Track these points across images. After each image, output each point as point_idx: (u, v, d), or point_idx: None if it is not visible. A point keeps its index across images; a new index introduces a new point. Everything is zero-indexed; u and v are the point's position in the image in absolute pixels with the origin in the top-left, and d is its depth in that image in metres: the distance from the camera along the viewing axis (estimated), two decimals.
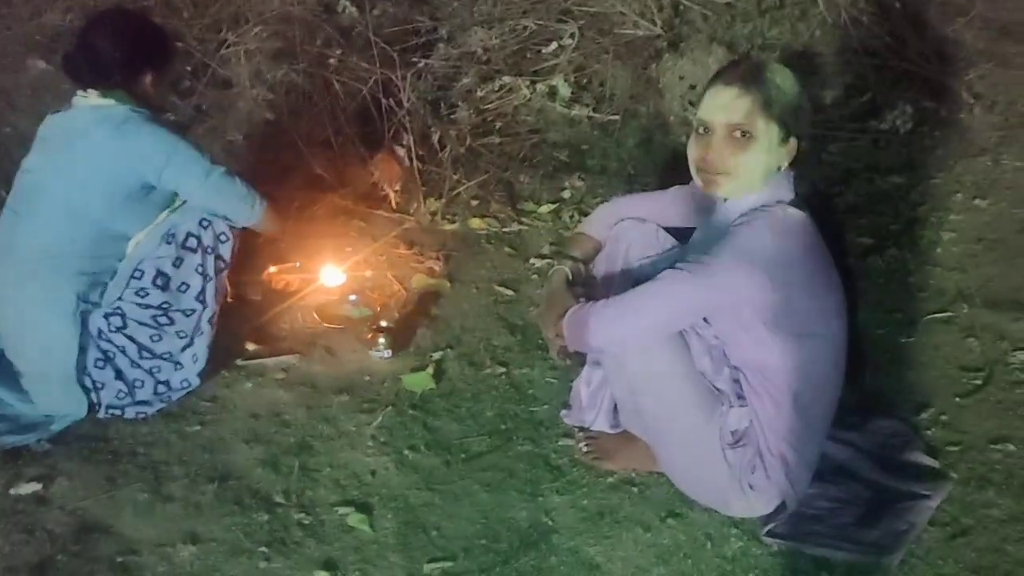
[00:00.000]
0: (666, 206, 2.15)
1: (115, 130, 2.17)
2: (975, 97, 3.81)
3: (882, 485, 2.10)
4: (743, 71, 1.84)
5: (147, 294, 2.25)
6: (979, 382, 2.45)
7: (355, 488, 2.12)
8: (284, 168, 3.37)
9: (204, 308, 2.32)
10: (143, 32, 2.32)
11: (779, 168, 1.85)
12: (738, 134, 1.79)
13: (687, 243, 2.07)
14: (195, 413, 2.32)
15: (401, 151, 3.34)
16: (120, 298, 2.25)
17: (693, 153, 1.88)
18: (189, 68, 3.65)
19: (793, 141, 1.83)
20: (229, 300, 2.63)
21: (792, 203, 1.83)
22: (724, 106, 1.80)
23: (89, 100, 2.24)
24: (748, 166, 1.80)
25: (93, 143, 2.17)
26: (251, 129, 3.52)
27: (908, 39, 4.08)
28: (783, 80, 1.81)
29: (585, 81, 3.75)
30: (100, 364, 2.23)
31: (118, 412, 2.26)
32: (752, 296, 1.78)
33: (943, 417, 2.33)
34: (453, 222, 3.22)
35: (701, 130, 1.85)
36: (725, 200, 1.88)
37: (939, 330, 2.66)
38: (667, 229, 2.15)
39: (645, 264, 2.10)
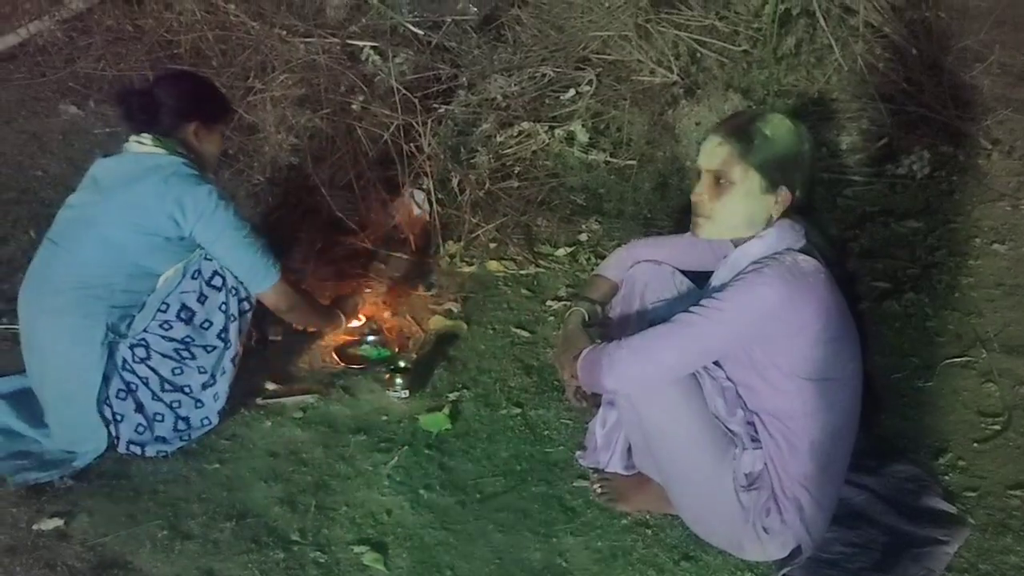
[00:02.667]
0: (682, 250, 2.18)
1: (162, 181, 2.26)
2: (993, 143, 3.83)
3: (899, 530, 2.09)
4: (731, 122, 1.92)
5: (171, 327, 2.30)
6: (998, 427, 2.44)
7: (371, 527, 2.13)
8: (307, 211, 3.44)
9: (226, 347, 2.36)
10: (199, 85, 2.51)
11: (771, 217, 1.87)
12: (719, 180, 1.87)
13: (703, 287, 2.09)
14: (214, 451, 2.35)
15: (421, 195, 3.40)
16: (146, 329, 2.30)
17: (692, 198, 1.95)
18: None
19: (784, 191, 1.86)
20: (253, 342, 2.68)
21: (803, 250, 1.85)
22: (708, 153, 1.90)
23: (142, 147, 2.34)
24: (725, 210, 1.87)
25: (140, 190, 2.27)
26: (276, 173, 3.60)
27: (925, 85, 4.11)
28: (773, 131, 1.85)
29: (603, 127, 3.81)
30: (122, 395, 2.27)
31: (138, 449, 2.29)
32: (763, 336, 1.80)
33: (961, 462, 2.32)
34: (471, 264, 3.26)
35: (696, 175, 1.93)
36: (737, 247, 1.91)
37: (957, 375, 2.66)
38: (684, 272, 2.18)
39: (660, 306, 2.12)
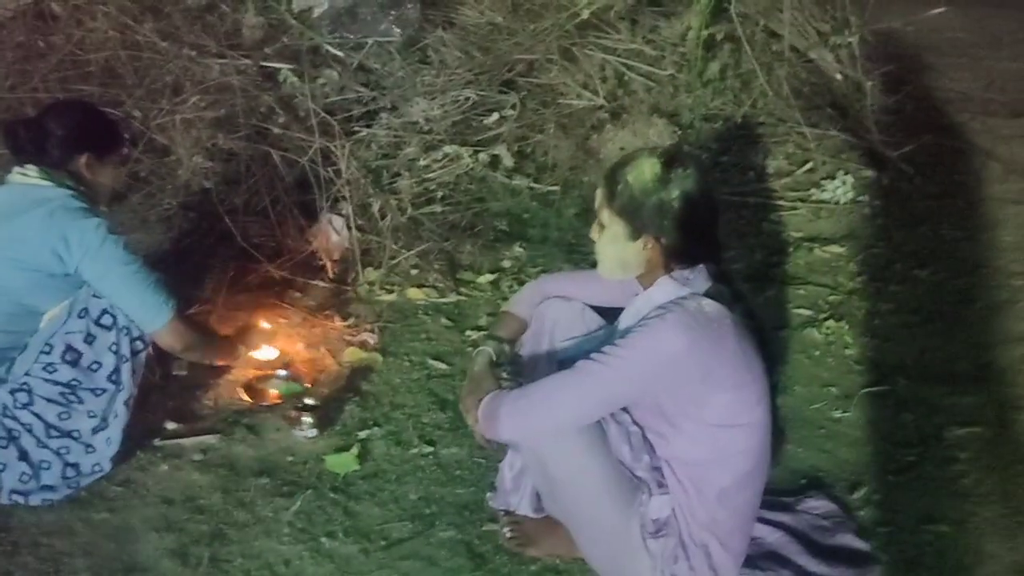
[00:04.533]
0: (592, 286, 2.12)
1: (47, 215, 2.15)
2: (914, 168, 3.87)
3: (811, 572, 2.05)
4: (611, 166, 1.89)
5: (55, 370, 2.17)
6: (913, 459, 2.43)
7: None
8: (220, 236, 3.32)
9: (119, 390, 2.22)
10: (89, 116, 2.37)
11: (648, 262, 1.82)
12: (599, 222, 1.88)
13: (613, 323, 2.04)
14: (104, 499, 2.22)
15: (340, 221, 3.31)
16: (28, 373, 2.17)
17: None
18: (128, 135, 3.60)
19: (649, 241, 1.80)
20: (156, 377, 2.56)
21: (708, 293, 1.80)
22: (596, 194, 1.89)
23: (27, 178, 2.22)
24: (601, 252, 1.89)
25: (22, 223, 2.15)
26: (188, 197, 3.48)
27: (849, 110, 4.16)
28: (635, 178, 1.79)
29: (528, 151, 3.77)
30: (3, 443, 2.14)
31: (21, 498, 2.16)
32: (667, 384, 1.75)
33: (875, 496, 2.30)
34: (391, 292, 3.17)
35: None
36: (645, 288, 1.86)
37: (875, 404, 2.65)
38: (595, 308, 2.13)
39: (569, 344, 2.07)
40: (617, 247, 1.83)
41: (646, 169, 1.79)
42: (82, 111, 2.41)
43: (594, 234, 1.89)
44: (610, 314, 2.07)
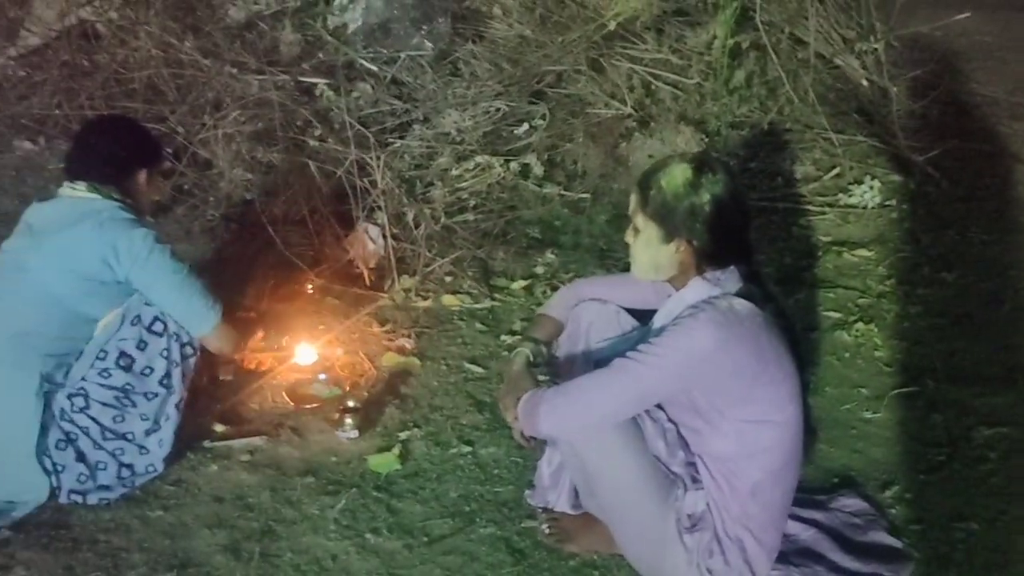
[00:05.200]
0: (626, 288, 2.18)
1: (97, 225, 2.25)
2: (941, 172, 3.89)
3: (845, 567, 2.09)
4: (645, 171, 1.96)
5: (110, 375, 2.26)
6: (943, 458, 2.46)
7: (315, 574, 2.11)
8: (261, 246, 3.42)
9: (170, 393, 2.32)
10: (137, 133, 2.48)
11: (681, 265, 1.89)
12: (633, 226, 1.94)
13: (647, 325, 2.10)
14: (158, 498, 2.31)
15: (376, 230, 3.39)
16: (84, 378, 2.26)
17: None
18: (171, 150, 3.73)
19: (681, 244, 1.86)
20: (206, 381, 2.66)
21: (739, 293, 1.86)
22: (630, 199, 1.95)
23: (76, 192, 2.32)
24: (637, 255, 1.95)
25: (75, 235, 2.25)
26: (230, 208, 3.59)
27: (875, 115, 4.19)
28: (668, 182, 1.86)
29: (558, 160, 3.84)
30: (62, 445, 2.23)
31: (80, 498, 2.25)
32: (701, 380, 1.81)
33: (907, 495, 2.34)
34: (426, 299, 3.25)
35: None
36: (677, 290, 1.93)
37: (904, 405, 2.68)
38: (629, 311, 2.19)
39: (605, 345, 2.13)
40: (651, 250, 1.90)
41: (677, 174, 1.86)
42: (133, 128, 2.52)
43: (629, 238, 1.95)
44: (644, 316, 2.13)
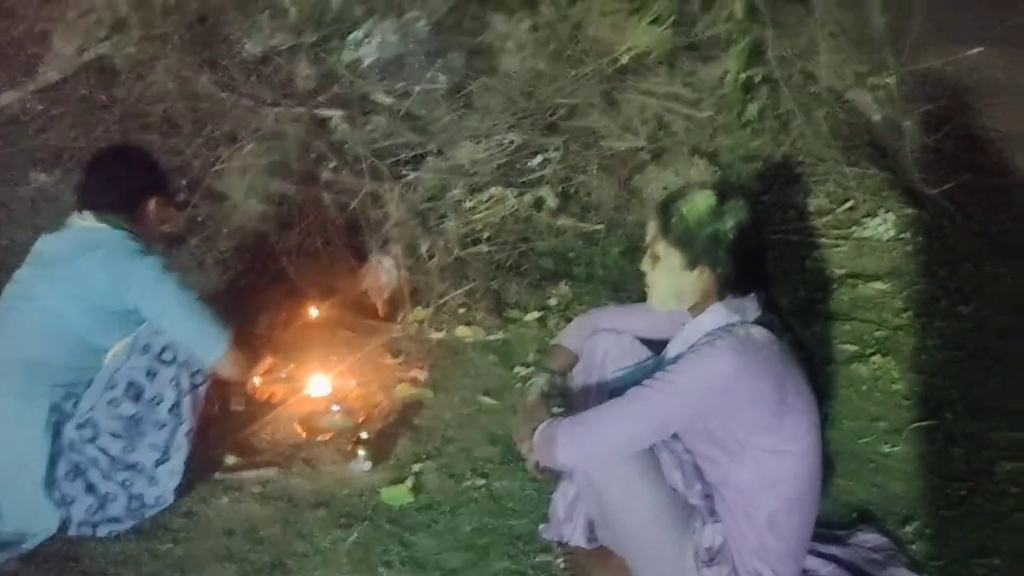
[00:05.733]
0: (641, 318, 2.17)
1: (106, 256, 2.26)
2: (955, 205, 3.87)
3: None
4: (663, 198, 1.96)
5: (119, 404, 2.26)
6: (963, 492, 2.42)
7: None
8: (274, 277, 3.42)
9: (179, 423, 2.31)
10: (144, 162, 2.50)
11: (703, 293, 1.88)
12: (653, 254, 1.92)
13: (661, 354, 2.08)
14: (168, 530, 2.29)
15: (389, 261, 3.40)
16: (93, 408, 2.26)
17: None
18: (185, 182, 3.76)
19: (704, 270, 1.86)
20: (217, 410, 2.65)
21: (757, 321, 1.85)
22: (647, 227, 1.94)
23: (84, 222, 2.34)
24: (654, 283, 1.93)
25: (83, 265, 2.26)
26: (243, 240, 3.60)
27: (888, 149, 4.18)
28: (690, 210, 1.86)
29: (571, 191, 3.84)
30: (71, 477, 2.22)
31: (89, 530, 2.23)
32: (718, 409, 1.79)
33: (927, 530, 2.30)
34: (440, 331, 3.24)
35: None
36: (694, 317, 1.91)
37: (924, 439, 2.65)
38: (644, 341, 2.18)
39: (620, 375, 2.11)
40: (672, 277, 1.88)
41: (700, 201, 1.85)
42: (140, 157, 2.53)
43: (646, 266, 1.94)
44: (659, 347, 2.12)
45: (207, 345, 2.32)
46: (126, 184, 2.38)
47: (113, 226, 2.33)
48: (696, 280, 1.87)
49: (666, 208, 1.89)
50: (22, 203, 3.97)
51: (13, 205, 3.95)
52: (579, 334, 2.20)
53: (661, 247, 1.89)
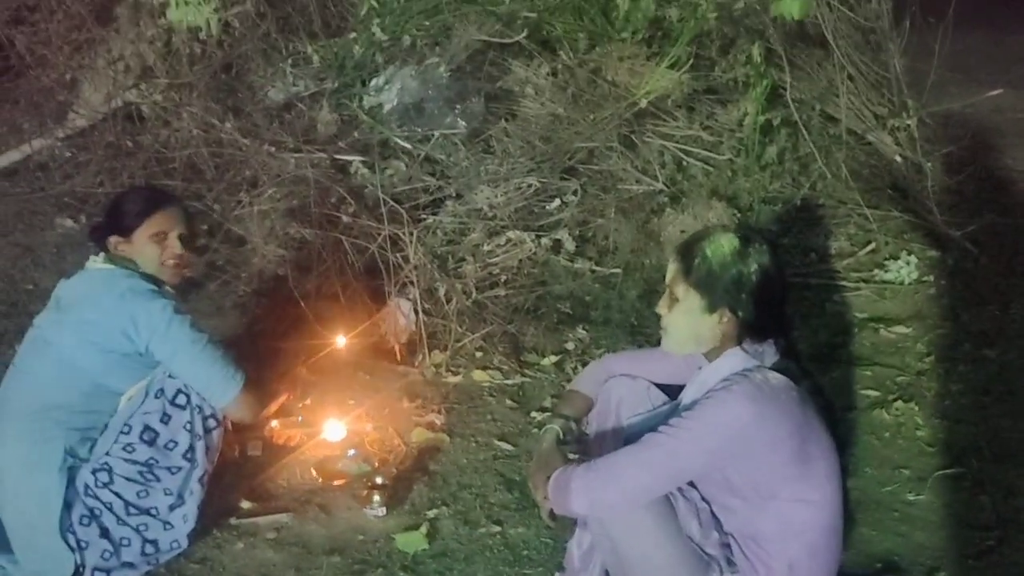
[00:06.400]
0: (656, 363, 2.16)
1: (118, 297, 2.26)
2: (978, 247, 3.83)
3: None
4: (685, 239, 1.95)
5: (134, 449, 2.25)
6: (992, 542, 2.36)
7: None
8: (293, 322, 3.44)
9: (193, 467, 2.30)
10: (117, 200, 2.47)
11: (722, 336, 1.86)
12: (672, 296, 1.90)
13: (677, 400, 2.06)
14: None
15: (407, 305, 3.40)
16: (108, 453, 2.25)
17: None
18: (206, 227, 3.80)
19: (724, 314, 1.84)
20: (237, 454, 2.64)
21: (775, 367, 1.83)
22: (667, 269, 1.92)
23: (96, 264, 2.36)
24: (672, 325, 1.91)
25: (94, 306, 2.27)
26: (262, 284, 3.62)
27: (909, 191, 4.16)
28: (714, 253, 1.84)
29: (589, 235, 3.85)
30: (85, 521, 2.21)
31: (103, 575, 2.22)
32: (735, 455, 1.76)
33: None
34: (457, 374, 3.23)
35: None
36: (711, 362, 1.89)
37: (949, 487, 2.59)
38: (659, 386, 2.16)
39: (635, 421, 2.09)
40: (692, 320, 1.86)
41: (724, 244, 1.84)
42: (120, 196, 2.52)
43: (663, 308, 1.92)
44: (675, 392, 2.09)
45: (219, 389, 2.31)
46: (95, 225, 2.42)
47: (121, 267, 2.34)
48: (716, 324, 1.85)
49: (689, 249, 1.87)
50: (47, 248, 4.03)
51: (38, 250, 4.01)
52: (594, 379, 2.18)
53: (681, 289, 1.86)
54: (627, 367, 2.16)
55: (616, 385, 2.14)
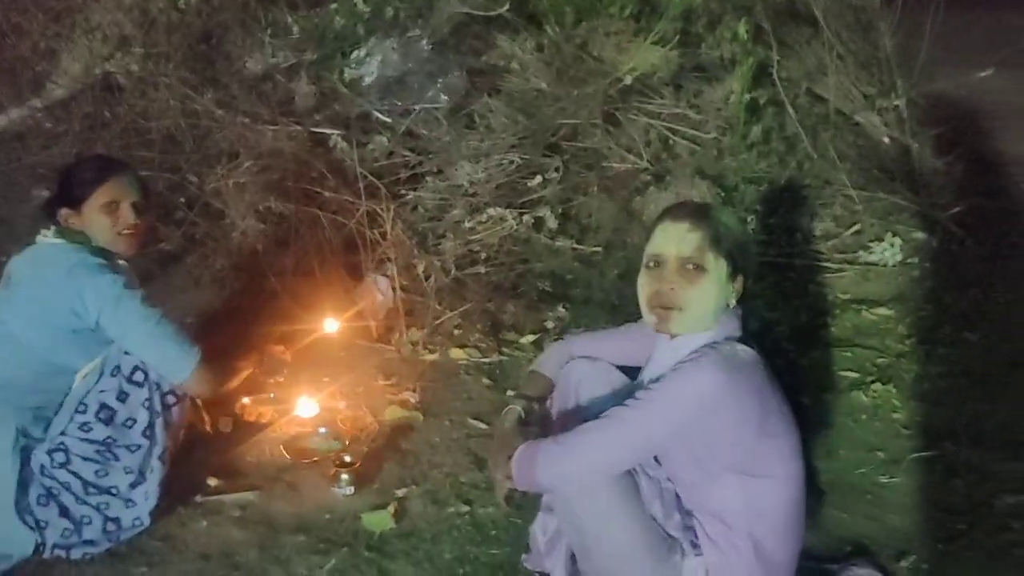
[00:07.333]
0: (618, 344, 2.12)
1: (65, 272, 2.19)
2: (964, 230, 3.80)
3: None
4: (692, 209, 1.89)
5: (91, 428, 2.21)
6: (963, 527, 2.34)
7: None
8: (268, 296, 3.40)
9: (153, 444, 2.26)
10: (68, 170, 2.36)
11: (728, 305, 1.84)
12: (690, 267, 1.80)
13: (636, 380, 2.02)
14: (143, 554, 2.24)
15: (384, 281, 3.36)
16: (64, 432, 2.21)
17: (645, 289, 1.87)
18: (183, 199, 3.75)
19: (740, 278, 1.84)
20: (208, 427, 2.60)
21: (741, 340, 1.80)
22: (676, 240, 1.81)
23: (46, 239, 2.30)
24: (700, 300, 1.80)
25: (42, 283, 2.21)
26: (240, 258, 3.57)
27: (896, 172, 4.12)
28: (728, 219, 1.86)
29: (572, 213, 3.80)
30: (43, 501, 2.18)
31: (63, 552, 2.19)
32: (702, 428, 1.73)
33: (924, 566, 2.22)
34: (434, 352, 3.20)
35: (652, 264, 1.86)
36: (673, 338, 1.85)
37: (923, 470, 2.57)
38: (621, 367, 2.12)
39: (595, 402, 2.05)
40: (719, 289, 1.81)
41: (730, 214, 1.90)
42: (69, 166, 2.41)
43: (682, 284, 1.80)
44: (635, 374, 2.06)
45: (173, 365, 2.25)
46: (48, 197, 2.33)
47: (70, 240, 2.27)
48: (732, 291, 1.83)
49: (711, 218, 1.82)
50: (22, 220, 3.96)
51: (14, 222, 3.95)
52: (556, 360, 2.14)
53: (710, 256, 1.79)
54: (588, 348, 2.12)
55: (576, 367, 2.08)
